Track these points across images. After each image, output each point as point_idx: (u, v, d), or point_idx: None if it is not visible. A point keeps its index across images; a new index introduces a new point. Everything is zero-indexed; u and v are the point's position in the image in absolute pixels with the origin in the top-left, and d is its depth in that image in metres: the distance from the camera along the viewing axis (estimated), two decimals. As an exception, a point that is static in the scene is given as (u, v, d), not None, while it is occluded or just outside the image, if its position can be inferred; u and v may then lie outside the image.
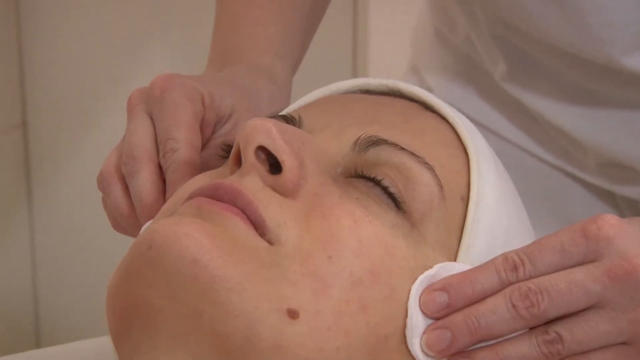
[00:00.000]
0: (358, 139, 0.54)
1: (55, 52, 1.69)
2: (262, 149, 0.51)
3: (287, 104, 0.72)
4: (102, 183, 0.63)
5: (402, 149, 0.53)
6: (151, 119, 0.63)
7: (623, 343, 0.50)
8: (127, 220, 0.62)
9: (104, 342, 0.65)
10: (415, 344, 0.50)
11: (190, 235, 0.48)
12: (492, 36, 0.81)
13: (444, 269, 0.51)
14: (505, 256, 0.51)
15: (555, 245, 0.51)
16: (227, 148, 0.59)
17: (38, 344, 1.81)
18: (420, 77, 0.92)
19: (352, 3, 1.58)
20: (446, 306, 0.50)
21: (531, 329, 0.50)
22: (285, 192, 0.51)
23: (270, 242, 0.49)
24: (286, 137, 0.51)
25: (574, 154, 0.84)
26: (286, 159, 0.51)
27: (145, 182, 0.60)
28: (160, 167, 0.62)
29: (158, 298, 0.48)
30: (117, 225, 0.64)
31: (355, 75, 1.60)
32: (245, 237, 0.49)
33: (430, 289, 0.51)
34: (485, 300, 0.50)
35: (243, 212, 0.49)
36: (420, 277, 0.51)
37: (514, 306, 0.50)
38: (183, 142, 0.61)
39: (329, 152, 0.54)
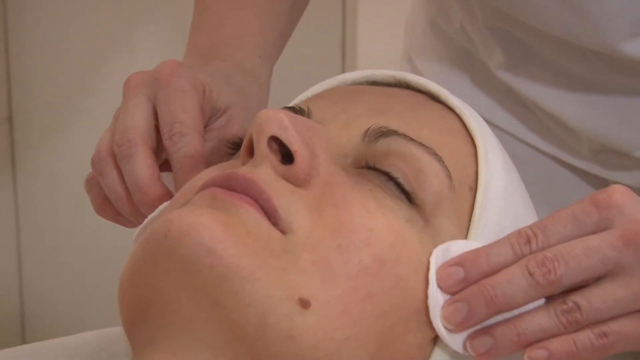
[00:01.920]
0: (368, 129, 0.54)
1: (41, 48, 1.69)
2: (274, 139, 0.52)
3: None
4: (98, 164, 0.62)
5: (412, 139, 0.54)
6: (150, 103, 0.62)
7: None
8: (124, 204, 0.61)
9: (107, 334, 0.66)
10: (436, 320, 0.50)
11: (206, 224, 0.48)
12: (487, 25, 0.81)
13: (456, 245, 0.52)
14: (518, 231, 0.51)
15: (567, 216, 0.51)
16: (234, 145, 0.60)
17: (23, 339, 1.80)
18: (413, 65, 0.93)
19: (341, 1, 1.59)
20: (462, 280, 0.50)
21: (548, 300, 0.50)
22: (298, 182, 0.51)
23: (282, 232, 0.50)
24: (298, 127, 0.52)
25: (567, 141, 0.85)
26: (298, 148, 0.51)
27: (141, 167, 0.60)
28: (154, 152, 0.61)
29: (174, 287, 0.49)
30: (101, 210, 0.64)
31: (344, 71, 1.61)
32: (258, 226, 0.49)
33: (445, 264, 0.51)
34: (501, 271, 0.50)
35: (256, 201, 0.50)
36: (436, 251, 0.51)
37: (530, 274, 0.50)
38: (192, 127, 0.61)
39: (339, 142, 0.54)
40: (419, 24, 0.93)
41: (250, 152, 0.53)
